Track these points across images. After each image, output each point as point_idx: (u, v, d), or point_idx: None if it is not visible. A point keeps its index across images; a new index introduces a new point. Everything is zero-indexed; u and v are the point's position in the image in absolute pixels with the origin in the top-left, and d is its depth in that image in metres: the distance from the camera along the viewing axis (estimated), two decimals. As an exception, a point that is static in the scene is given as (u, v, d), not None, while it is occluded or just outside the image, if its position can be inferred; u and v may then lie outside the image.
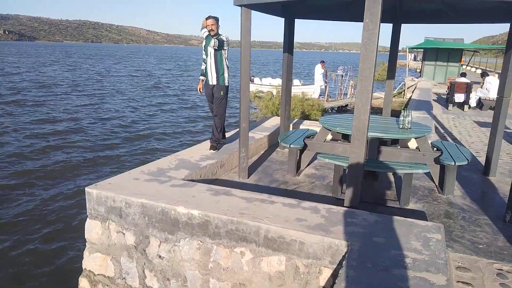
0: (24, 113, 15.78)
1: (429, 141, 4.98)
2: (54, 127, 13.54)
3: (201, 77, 5.44)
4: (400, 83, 25.40)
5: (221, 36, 5.12)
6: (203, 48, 5.23)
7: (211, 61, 5.15)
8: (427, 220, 3.68)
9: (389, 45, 6.39)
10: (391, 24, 6.23)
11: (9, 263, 5.29)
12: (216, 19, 5.11)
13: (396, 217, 3.28)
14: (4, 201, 7.19)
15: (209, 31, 5.06)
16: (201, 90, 5.44)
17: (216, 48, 5.09)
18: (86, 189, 3.79)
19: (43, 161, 9.68)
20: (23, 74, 32.01)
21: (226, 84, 5.28)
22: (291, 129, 6.74)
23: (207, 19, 5.07)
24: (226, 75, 5.25)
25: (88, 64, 50.62)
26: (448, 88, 14.47)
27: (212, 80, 5.22)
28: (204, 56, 5.28)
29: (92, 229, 3.86)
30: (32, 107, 17.25)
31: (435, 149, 4.88)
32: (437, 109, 12.52)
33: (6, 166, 9.09)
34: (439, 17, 5.88)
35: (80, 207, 6.91)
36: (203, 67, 5.36)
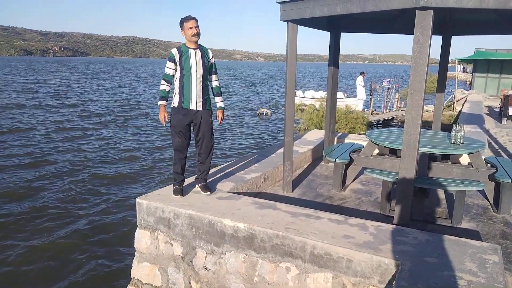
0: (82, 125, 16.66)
1: (483, 157, 4.76)
2: (109, 139, 14.18)
3: (163, 102, 3.92)
4: (449, 96, 24.51)
5: (207, 48, 4.00)
6: (177, 61, 3.84)
7: (196, 79, 3.86)
8: (481, 240, 3.50)
9: (436, 57, 6.21)
10: (440, 36, 6.06)
11: (60, 269, 5.54)
12: (197, 21, 3.87)
13: (448, 237, 3.15)
14: (58, 208, 7.56)
15: (192, 36, 3.80)
16: (166, 119, 3.92)
17: (208, 63, 3.98)
18: (137, 199, 3.92)
19: (95, 171, 10.13)
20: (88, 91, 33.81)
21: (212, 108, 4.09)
22: (335, 143, 6.66)
23: (187, 20, 3.81)
24: (211, 96, 4.11)
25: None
26: (501, 101, 13.81)
27: (197, 104, 3.90)
28: (171, 72, 3.88)
29: (142, 239, 3.98)
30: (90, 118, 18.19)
31: (489, 165, 4.66)
32: (489, 123, 11.95)
33: (59, 175, 9.59)
34: (492, 27, 5.66)
35: (131, 216, 7.15)
36: (165, 87, 3.92)
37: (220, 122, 4.21)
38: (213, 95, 4.16)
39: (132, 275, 4.13)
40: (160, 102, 3.90)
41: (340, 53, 6.18)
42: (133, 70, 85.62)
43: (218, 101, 4.21)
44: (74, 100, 25.62)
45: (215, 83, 4.13)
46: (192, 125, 4.01)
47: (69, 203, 7.86)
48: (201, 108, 3.94)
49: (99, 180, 9.38)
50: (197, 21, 3.83)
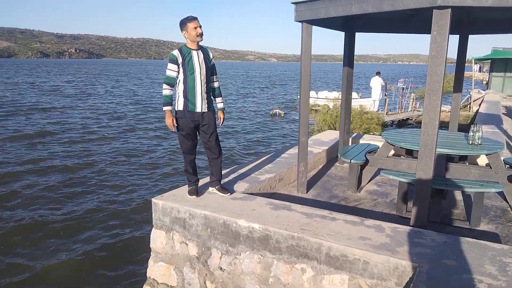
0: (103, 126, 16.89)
1: (502, 158, 4.67)
2: (125, 140, 14.33)
3: (169, 108, 3.77)
4: (465, 96, 24.14)
5: (207, 49, 3.96)
6: (180, 63, 3.73)
7: (201, 81, 3.78)
8: (501, 243, 3.44)
9: (452, 56, 6.11)
10: (457, 35, 5.97)
11: (76, 268, 5.61)
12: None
13: (467, 239, 3.10)
14: (72, 208, 7.67)
15: (197, 36, 3.72)
16: (175, 123, 3.82)
17: (210, 64, 3.92)
18: (153, 199, 3.96)
19: (110, 171, 10.25)
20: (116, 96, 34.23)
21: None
22: (350, 143, 6.62)
23: (190, 20, 3.72)
24: (212, 98, 4.05)
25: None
26: (520, 100, 13.54)
27: (202, 106, 3.84)
28: (174, 74, 3.75)
29: (157, 239, 4.01)
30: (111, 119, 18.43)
31: (507, 166, 4.57)
32: (507, 123, 11.72)
33: (74, 175, 9.73)
34: (511, 26, 5.56)
35: (146, 216, 7.20)
36: (169, 92, 3.77)
37: (222, 123, 4.16)
38: (213, 96, 4.09)
39: (147, 275, 4.16)
40: (166, 108, 3.76)
41: (355, 53, 6.14)
42: (149, 71, 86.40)
43: (219, 102, 4.14)
44: (92, 101, 25.97)
45: (215, 84, 4.05)
46: (200, 127, 3.94)
47: (85, 203, 7.96)
48: (206, 110, 3.88)
49: (114, 181, 9.48)
50: (199, 21, 3.76)
